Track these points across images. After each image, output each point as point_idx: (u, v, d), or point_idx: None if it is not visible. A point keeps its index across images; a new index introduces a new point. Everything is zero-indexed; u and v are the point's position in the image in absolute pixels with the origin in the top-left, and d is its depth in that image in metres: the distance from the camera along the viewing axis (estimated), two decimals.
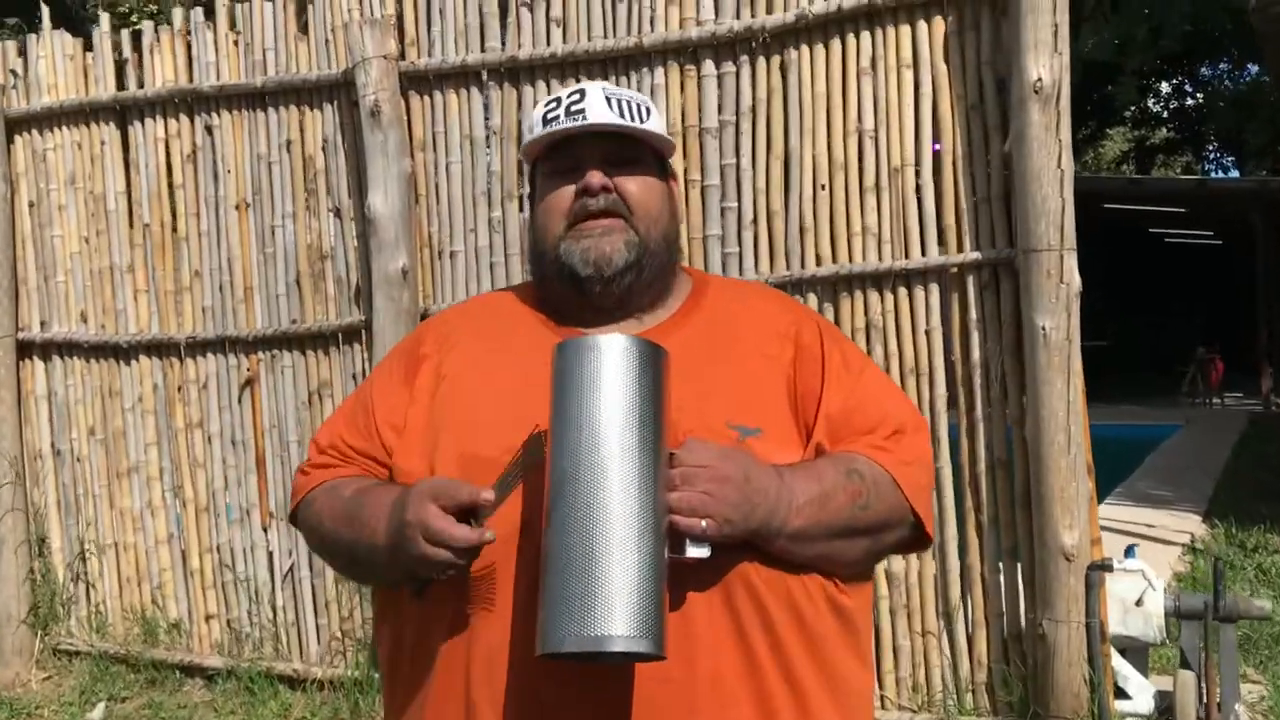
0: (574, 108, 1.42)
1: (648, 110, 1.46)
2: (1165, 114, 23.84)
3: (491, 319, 1.52)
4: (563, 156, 1.43)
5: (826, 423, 1.37)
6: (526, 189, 1.62)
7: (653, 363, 1.21)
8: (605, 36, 3.59)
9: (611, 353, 1.19)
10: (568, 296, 1.43)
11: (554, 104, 1.44)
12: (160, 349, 4.20)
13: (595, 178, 1.40)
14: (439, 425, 1.38)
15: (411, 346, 1.51)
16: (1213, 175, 25.81)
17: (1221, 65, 20.98)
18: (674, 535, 1.18)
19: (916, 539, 1.42)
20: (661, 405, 1.21)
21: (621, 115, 1.42)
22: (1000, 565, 3.26)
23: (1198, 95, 22.49)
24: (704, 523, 1.18)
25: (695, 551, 1.19)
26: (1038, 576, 3.12)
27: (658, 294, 1.46)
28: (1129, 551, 3.18)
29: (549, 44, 3.65)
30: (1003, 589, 3.26)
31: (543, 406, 1.23)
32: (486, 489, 1.21)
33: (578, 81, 3.58)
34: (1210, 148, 25.71)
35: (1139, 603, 3.30)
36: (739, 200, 3.47)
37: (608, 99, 1.42)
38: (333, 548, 1.43)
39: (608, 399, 1.17)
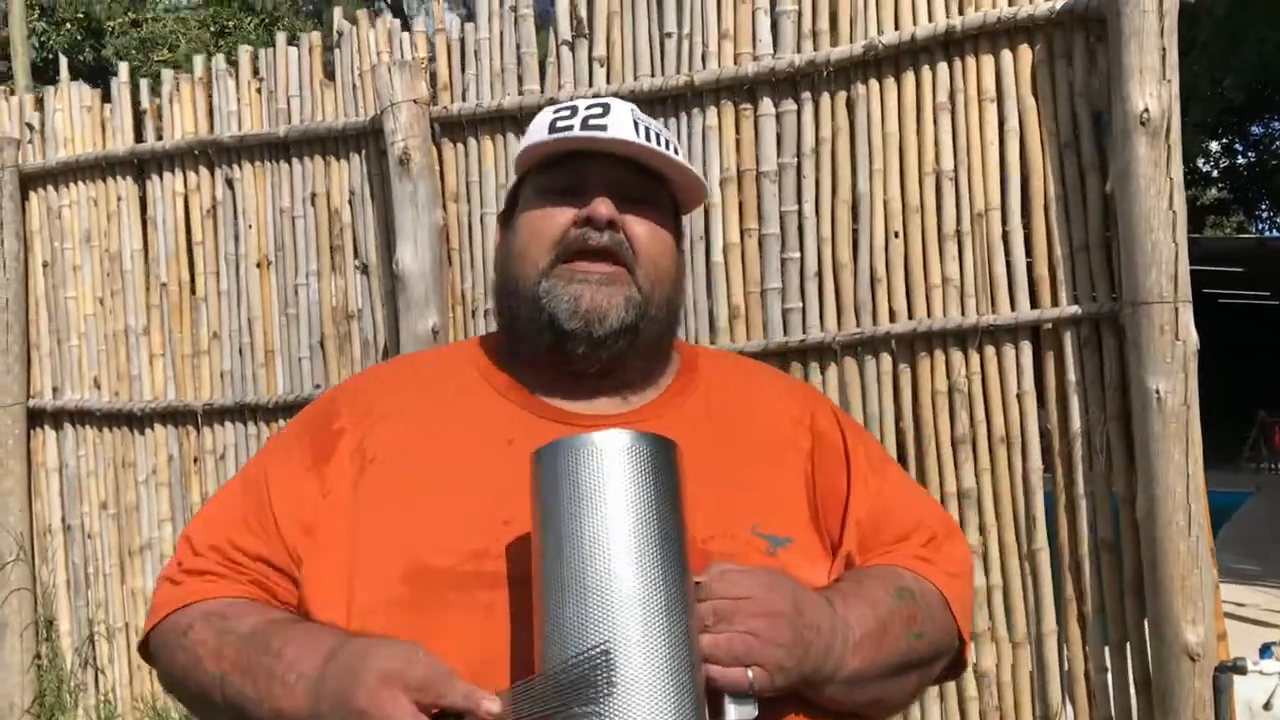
0: (593, 120, 1.12)
1: (676, 153, 1.18)
2: (1215, 173, 23.41)
3: (431, 381, 1.19)
4: (564, 172, 1.14)
5: (857, 529, 1.12)
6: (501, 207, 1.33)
7: (666, 464, 0.90)
8: (653, 75, 3.30)
9: (615, 456, 0.88)
10: (541, 353, 1.13)
11: (568, 112, 1.14)
12: (176, 417, 3.93)
13: (603, 206, 1.09)
14: (368, 526, 1.04)
15: (320, 419, 1.16)
16: (1268, 234, 25.27)
17: (1275, 123, 20.59)
18: (710, 692, 0.87)
19: (953, 665, 1.16)
20: (682, 520, 0.89)
21: (650, 143, 1.13)
22: (1107, 663, 2.86)
23: (1249, 154, 22.08)
24: (750, 673, 0.89)
25: (738, 712, 0.88)
26: (1155, 678, 2.71)
27: (649, 369, 1.17)
28: (1265, 651, 2.77)
29: (591, 84, 3.36)
30: (1111, 690, 2.86)
31: (509, 497, 0.95)
32: (490, 698, 0.86)
33: None
34: (1263, 206, 25.19)
35: (1267, 706, 2.88)
36: (801, 250, 3.14)
37: (635, 123, 1.13)
38: (213, 702, 1.04)
39: (614, 520, 0.85)
